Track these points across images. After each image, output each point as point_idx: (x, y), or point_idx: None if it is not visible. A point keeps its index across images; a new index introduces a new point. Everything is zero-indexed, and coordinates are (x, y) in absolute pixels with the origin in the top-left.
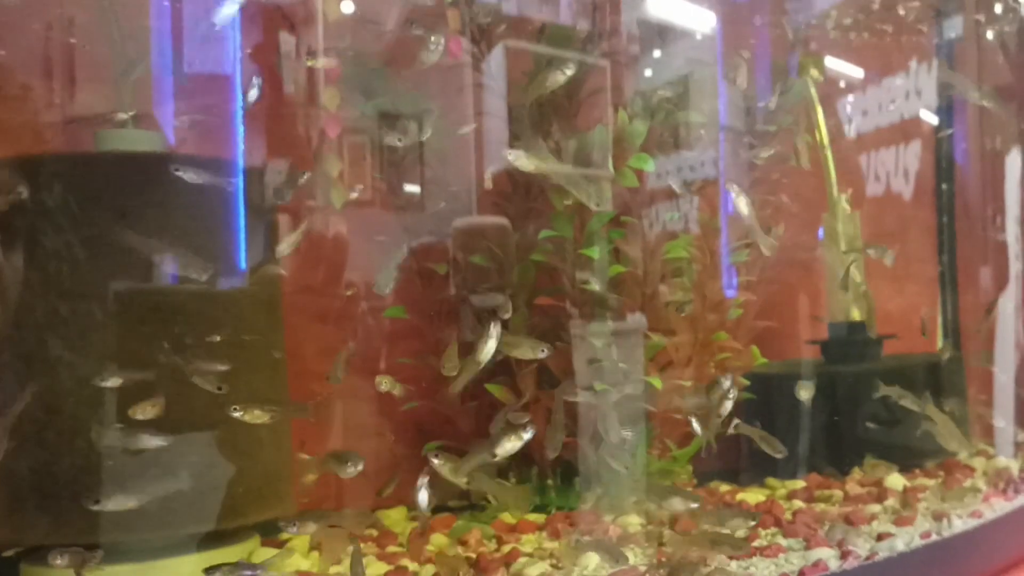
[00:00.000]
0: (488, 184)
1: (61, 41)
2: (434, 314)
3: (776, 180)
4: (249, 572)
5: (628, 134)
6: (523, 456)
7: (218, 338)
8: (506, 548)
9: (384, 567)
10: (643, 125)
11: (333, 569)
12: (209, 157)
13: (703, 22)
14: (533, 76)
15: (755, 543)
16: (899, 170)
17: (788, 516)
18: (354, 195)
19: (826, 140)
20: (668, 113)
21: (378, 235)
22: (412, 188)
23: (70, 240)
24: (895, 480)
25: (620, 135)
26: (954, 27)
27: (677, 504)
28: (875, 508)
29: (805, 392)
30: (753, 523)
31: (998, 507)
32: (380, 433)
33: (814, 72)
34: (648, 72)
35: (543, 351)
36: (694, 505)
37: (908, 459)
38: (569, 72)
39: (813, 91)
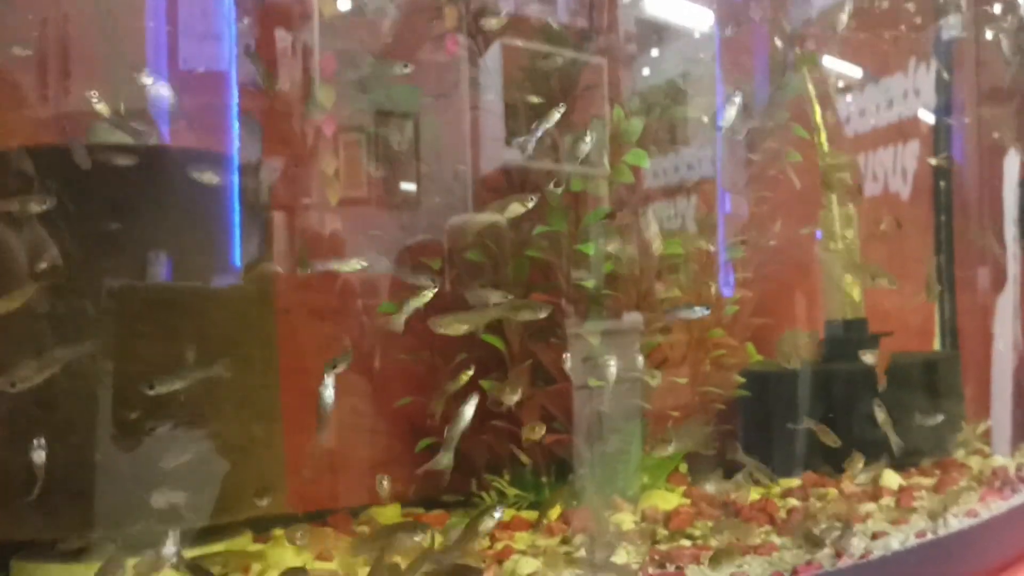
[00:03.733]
0: None
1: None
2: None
3: (772, 177)
4: None
5: (624, 131)
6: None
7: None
8: (499, 545)
9: None
10: (639, 122)
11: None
12: (203, 151)
13: (700, 18)
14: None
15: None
16: (897, 169)
17: (783, 514)
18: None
19: (823, 137)
20: (664, 109)
21: (373, 231)
22: (408, 184)
23: (63, 234)
24: (890, 478)
25: (616, 131)
26: (953, 27)
27: None
28: (870, 507)
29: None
30: None
31: (994, 506)
32: (374, 429)
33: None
34: (645, 70)
35: None
36: None
37: (904, 457)
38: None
39: (811, 87)
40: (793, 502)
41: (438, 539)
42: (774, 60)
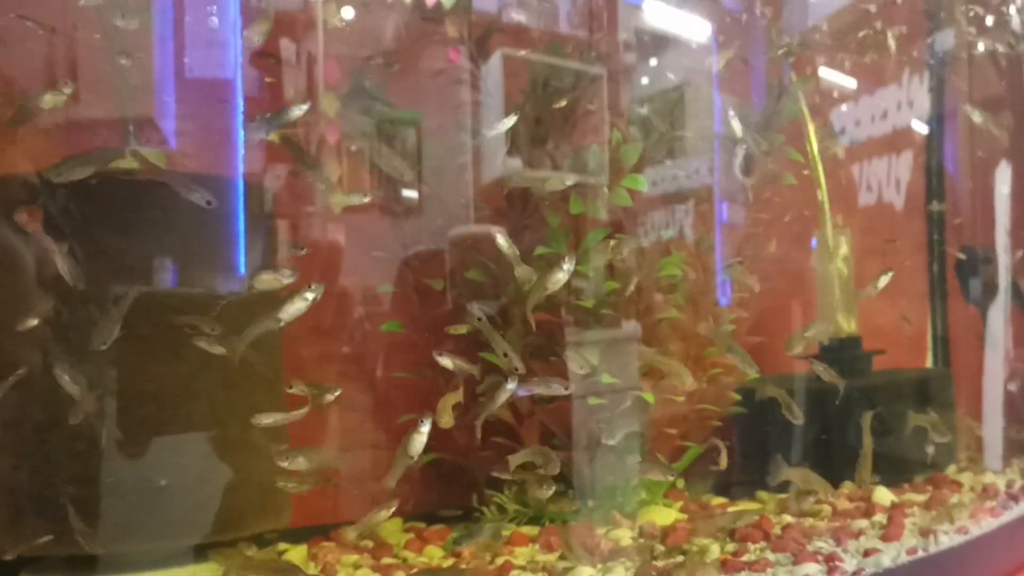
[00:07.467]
0: None
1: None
2: (431, 328)
3: (768, 198)
4: None
5: (622, 154)
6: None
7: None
8: (499, 560)
9: None
10: (636, 147)
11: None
12: (208, 175)
13: (698, 35)
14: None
15: (743, 558)
16: (891, 181)
17: (777, 531)
18: None
19: (817, 154)
20: (661, 135)
21: (375, 246)
22: (410, 200)
23: (73, 251)
24: (883, 495)
25: (614, 155)
26: (946, 40)
27: None
28: (863, 523)
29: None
30: None
31: (985, 523)
32: (376, 444)
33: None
34: (644, 81)
35: None
36: None
37: (897, 473)
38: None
39: (804, 106)
40: (788, 518)
41: None
42: (770, 83)
